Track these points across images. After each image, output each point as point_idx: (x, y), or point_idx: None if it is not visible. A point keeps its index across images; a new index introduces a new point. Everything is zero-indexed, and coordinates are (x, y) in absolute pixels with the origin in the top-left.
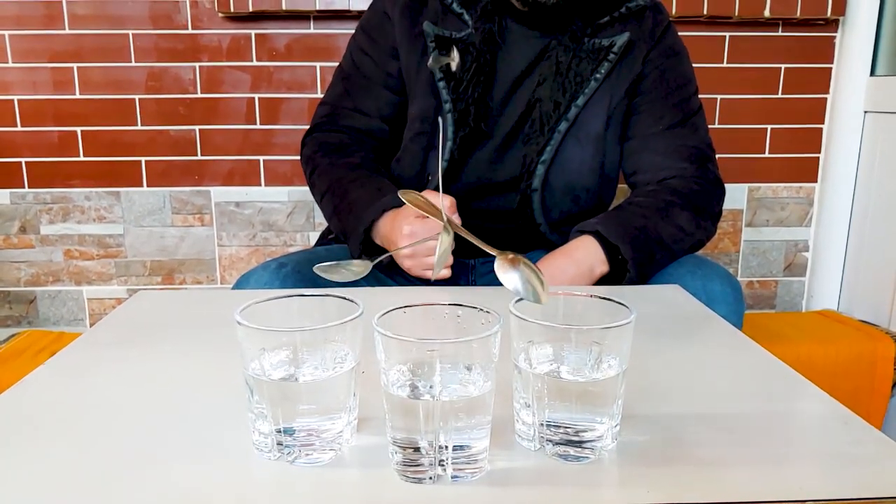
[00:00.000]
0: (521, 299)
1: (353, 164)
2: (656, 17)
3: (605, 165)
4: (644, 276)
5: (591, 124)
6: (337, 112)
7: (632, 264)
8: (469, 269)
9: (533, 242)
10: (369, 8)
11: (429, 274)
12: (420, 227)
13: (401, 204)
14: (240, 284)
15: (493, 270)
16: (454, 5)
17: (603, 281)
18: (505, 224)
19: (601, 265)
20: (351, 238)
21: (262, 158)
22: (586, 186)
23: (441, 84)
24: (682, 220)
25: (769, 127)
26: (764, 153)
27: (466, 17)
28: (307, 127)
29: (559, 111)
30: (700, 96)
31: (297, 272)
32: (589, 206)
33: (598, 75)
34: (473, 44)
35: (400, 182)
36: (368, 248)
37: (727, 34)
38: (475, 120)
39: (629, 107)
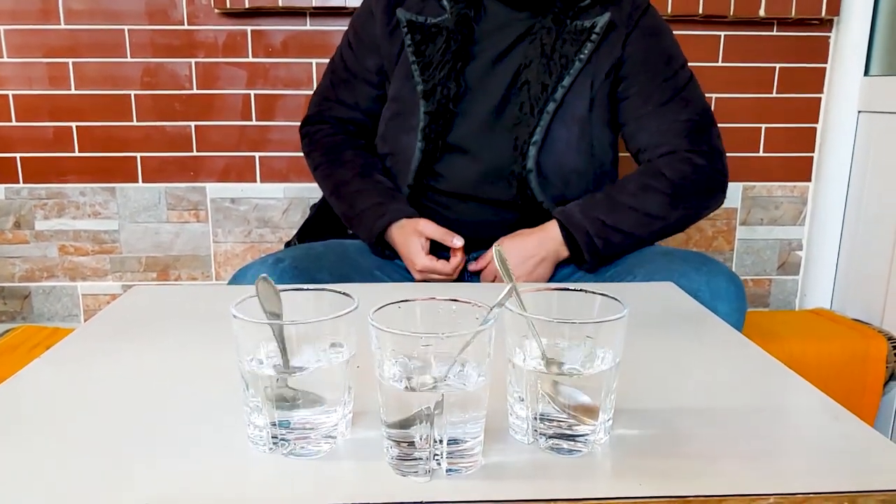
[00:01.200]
0: None
1: (348, 165)
2: (634, 2)
3: (593, 147)
4: (604, 259)
5: (575, 106)
6: (324, 103)
7: (585, 251)
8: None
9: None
10: (360, 4)
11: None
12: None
13: (402, 216)
14: (237, 279)
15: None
16: None
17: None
18: (509, 212)
19: (563, 249)
20: (364, 240)
21: (257, 155)
22: (576, 168)
23: (414, 67)
24: (652, 205)
25: (763, 126)
26: (758, 152)
27: (445, 2)
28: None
29: (546, 93)
30: None
31: (295, 267)
32: (582, 190)
33: (581, 56)
34: (447, 28)
35: (385, 159)
36: (380, 243)
37: (722, 33)
38: (444, 100)
39: (613, 91)
